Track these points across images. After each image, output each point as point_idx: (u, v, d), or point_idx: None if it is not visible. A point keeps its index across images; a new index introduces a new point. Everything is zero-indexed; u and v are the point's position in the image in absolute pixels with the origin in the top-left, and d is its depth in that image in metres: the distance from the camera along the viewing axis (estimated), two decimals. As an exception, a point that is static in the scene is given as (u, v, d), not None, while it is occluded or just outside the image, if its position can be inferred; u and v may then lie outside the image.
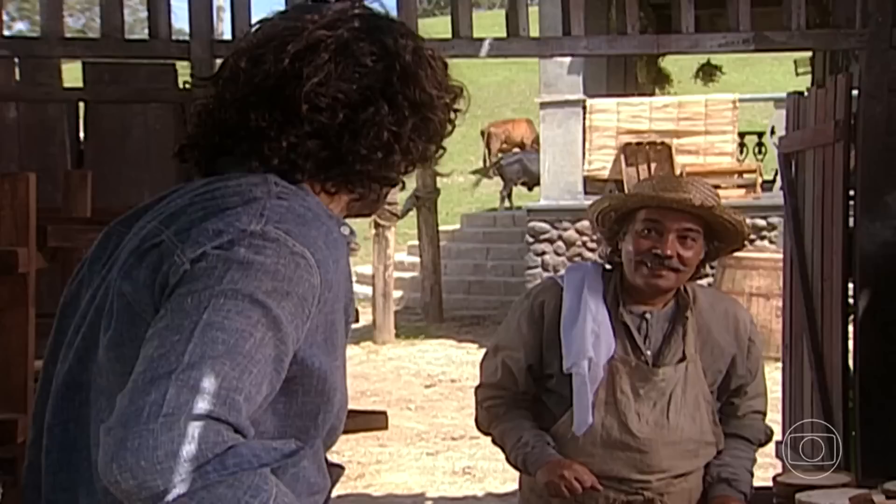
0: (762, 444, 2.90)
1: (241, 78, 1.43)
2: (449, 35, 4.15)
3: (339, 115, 1.41)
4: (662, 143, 12.20)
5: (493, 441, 2.86)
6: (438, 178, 13.38)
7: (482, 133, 20.86)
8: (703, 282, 3.77)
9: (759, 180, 12.37)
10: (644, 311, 2.71)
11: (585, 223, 10.66)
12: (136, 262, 1.36)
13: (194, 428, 1.16)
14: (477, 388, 2.91)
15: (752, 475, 2.82)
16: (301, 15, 1.45)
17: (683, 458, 2.72)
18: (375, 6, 1.52)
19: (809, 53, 11.31)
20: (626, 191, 2.85)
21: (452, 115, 1.53)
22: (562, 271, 2.93)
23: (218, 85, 1.46)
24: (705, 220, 2.65)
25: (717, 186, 11.92)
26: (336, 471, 1.49)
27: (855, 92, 4.26)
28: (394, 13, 1.52)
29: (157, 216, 1.41)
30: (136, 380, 1.21)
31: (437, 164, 1.56)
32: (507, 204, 16.78)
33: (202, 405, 1.17)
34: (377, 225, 12.16)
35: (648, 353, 2.69)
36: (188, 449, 1.15)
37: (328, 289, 1.35)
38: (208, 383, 1.19)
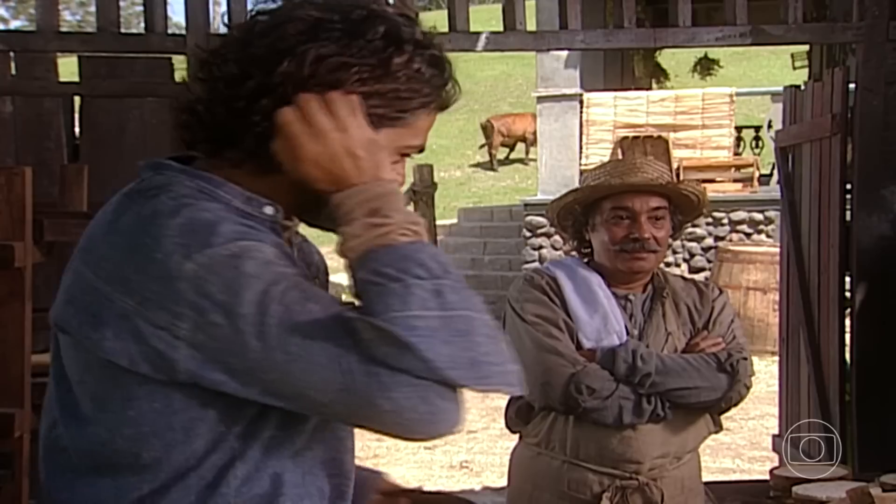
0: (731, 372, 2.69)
1: (216, 76, 1.43)
2: (446, 29, 4.15)
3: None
4: (659, 137, 12.19)
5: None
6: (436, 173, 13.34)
7: (482, 126, 20.83)
8: (700, 276, 3.76)
9: (756, 174, 12.37)
10: (626, 294, 2.76)
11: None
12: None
13: None
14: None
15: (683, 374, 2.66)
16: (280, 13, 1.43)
17: (675, 435, 2.71)
18: None
19: (806, 47, 11.31)
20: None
21: None
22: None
23: (195, 84, 1.48)
24: (668, 196, 2.73)
25: (714, 180, 11.99)
26: None
27: (852, 85, 4.26)
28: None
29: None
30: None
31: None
32: None
33: None
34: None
35: (635, 331, 2.73)
36: None
37: None
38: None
